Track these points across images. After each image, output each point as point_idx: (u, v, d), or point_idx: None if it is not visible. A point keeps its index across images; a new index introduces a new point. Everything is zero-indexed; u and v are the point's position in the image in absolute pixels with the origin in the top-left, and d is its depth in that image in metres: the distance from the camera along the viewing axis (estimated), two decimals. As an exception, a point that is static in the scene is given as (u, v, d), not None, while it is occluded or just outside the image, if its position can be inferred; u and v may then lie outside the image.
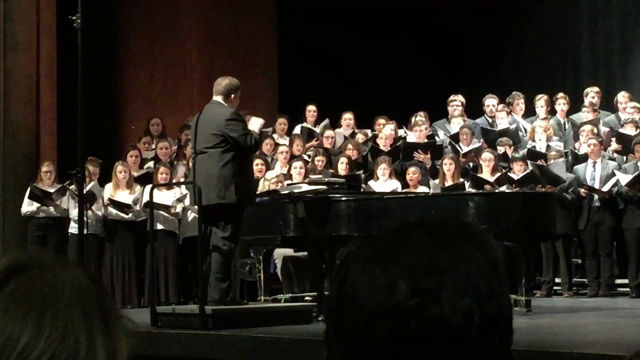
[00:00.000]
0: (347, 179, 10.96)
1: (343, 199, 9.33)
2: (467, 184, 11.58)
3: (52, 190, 11.87)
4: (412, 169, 11.79)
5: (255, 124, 8.76)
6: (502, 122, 13.05)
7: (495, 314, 1.21)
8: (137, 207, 11.76)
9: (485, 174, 11.61)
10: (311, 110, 13.79)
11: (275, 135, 13.37)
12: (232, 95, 8.62)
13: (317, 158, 12.09)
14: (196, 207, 8.90)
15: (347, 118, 13.70)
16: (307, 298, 10.56)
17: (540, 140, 12.33)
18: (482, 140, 12.76)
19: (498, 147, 12.35)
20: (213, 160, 8.34)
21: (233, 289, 8.93)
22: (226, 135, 8.32)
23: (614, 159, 12.08)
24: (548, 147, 12.21)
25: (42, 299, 1.19)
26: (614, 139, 12.30)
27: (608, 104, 13.42)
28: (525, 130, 13.06)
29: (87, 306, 1.20)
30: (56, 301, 1.19)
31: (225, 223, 8.39)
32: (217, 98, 8.63)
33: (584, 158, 11.98)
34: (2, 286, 1.20)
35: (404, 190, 11.52)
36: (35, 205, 11.95)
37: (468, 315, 1.19)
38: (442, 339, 1.18)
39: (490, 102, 13.44)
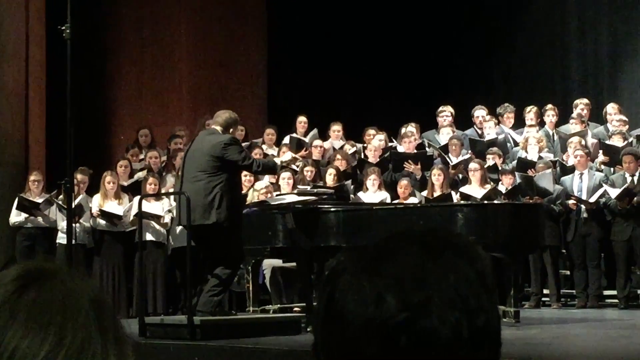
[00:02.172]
0: (336, 190, 10.96)
1: (332, 209, 9.34)
2: (455, 195, 11.58)
3: (39, 201, 11.83)
4: (403, 182, 11.79)
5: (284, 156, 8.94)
6: (490, 132, 13.08)
7: (484, 326, 1.21)
8: (128, 218, 11.73)
9: (474, 185, 11.61)
10: (302, 121, 13.80)
11: (264, 146, 13.36)
12: (231, 129, 8.64)
13: (305, 168, 12.09)
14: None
15: (336, 130, 13.71)
16: (295, 309, 10.55)
17: (532, 150, 12.37)
18: (469, 151, 12.78)
19: (487, 157, 12.37)
20: (199, 190, 8.30)
21: (223, 300, 8.91)
22: (226, 158, 8.30)
23: (601, 171, 12.11)
24: (540, 157, 12.24)
25: (63, 310, 1.17)
26: (601, 151, 12.33)
27: (597, 115, 13.46)
28: (514, 141, 13.09)
29: (103, 319, 1.20)
30: (77, 312, 1.18)
31: (221, 252, 8.35)
32: (215, 127, 8.63)
33: (571, 169, 12.01)
34: (21, 294, 1.19)
35: (393, 201, 11.53)
36: (23, 215, 11.92)
37: (457, 328, 1.19)
38: (432, 352, 1.18)
39: (480, 113, 13.47)
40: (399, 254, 1.23)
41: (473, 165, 11.75)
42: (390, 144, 13.21)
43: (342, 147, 13.24)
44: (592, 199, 11.47)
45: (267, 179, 12.08)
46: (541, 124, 13.20)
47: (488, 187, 11.54)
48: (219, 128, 8.59)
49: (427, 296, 1.19)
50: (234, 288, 11.26)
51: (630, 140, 12.33)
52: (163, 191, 11.74)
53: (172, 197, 11.54)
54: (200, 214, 8.26)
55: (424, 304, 1.18)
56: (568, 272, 12.24)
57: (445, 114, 13.54)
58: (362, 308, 1.19)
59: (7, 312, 1.16)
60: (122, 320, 1.27)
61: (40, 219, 11.94)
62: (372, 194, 11.70)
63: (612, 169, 12.15)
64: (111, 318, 1.21)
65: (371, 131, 13.45)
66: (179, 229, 11.62)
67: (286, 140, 13.50)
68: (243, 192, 10.90)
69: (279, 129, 13.78)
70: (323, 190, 10.56)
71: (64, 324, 1.16)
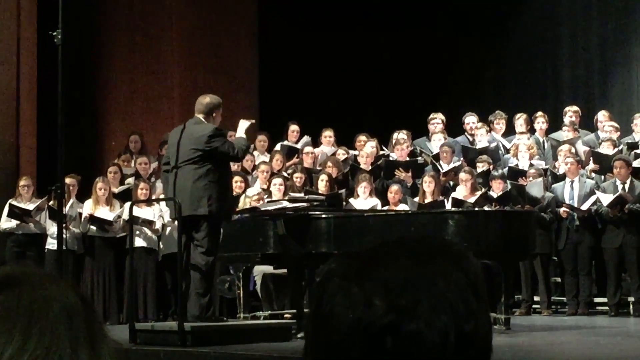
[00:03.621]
0: (327, 197, 10.96)
1: (323, 216, 9.33)
2: (446, 202, 11.59)
3: (30, 208, 11.80)
4: (394, 188, 11.80)
5: (241, 127, 8.91)
6: (482, 139, 13.10)
7: (472, 332, 1.21)
8: (119, 223, 11.72)
9: (465, 193, 11.62)
10: (294, 130, 13.79)
11: (255, 153, 13.36)
12: (214, 114, 8.66)
13: (295, 175, 12.08)
14: (175, 223, 8.90)
15: (328, 135, 13.71)
16: (286, 315, 10.54)
17: (523, 158, 12.38)
18: (461, 158, 12.79)
19: (478, 164, 12.39)
20: (187, 176, 8.40)
21: (213, 305, 8.90)
22: (211, 150, 8.35)
23: (592, 178, 12.12)
24: (531, 165, 12.25)
25: (29, 314, 1.19)
26: (591, 159, 12.34)
27: (588, 123, 13.48)
28: (506, 148, 13.11)
29: (74, 325, 1.21)
30: (43, 317, 1.20)
31: (201, 236, 8.39)
32: (199, 116, 8.65)
33: (562, 177, 12.03)
34: None
35: (384, 208, 11.53)
36: (14, 222, 11.89)
37: (443, 333, 1.19)
38: (418, 356, 1.18)
39: (470, 120, 13.49)
40: (389, 261, 1.23)
41: (463, 174, 11.76)
42: (381, 152, 13.21)
43: (334, 154, 13.24)
44: (585, 207, 11.48)
45: (258, 186, 12.07)
46: (532, 131, 13.22)
47: (479, 194, 11.56)
48: (201, 116, 8.65)
49: (415, 300, 1.19)
50: (225, 294, 11.25)
51: (620, 147, 12.35)
52: (154, 197, 11.72)
53: (162, 202, 11.53)
54: (188, 205, 8.30)
55: (411, 307, 1.19)
56: (559, 279, 12.25)
57: (437, 121, 13.56)
58: (350, 311, 1.20)
59: None
60: (106, 326, 1.28)
61: (31, 225, 11.91)
62: (363, 200, 11.71)
63: (602, 176, 12.16)
64: (85, 324, 1.23)
65: (362, 138, 13.46)
66: (168, 233, 11.63)
67: (277, 147, 13.50)
68: (234, 195, 10.89)
69: (270, 136, 13.78)
70: (314, 197, 10.56)
71: (28, 329, 1.19)
